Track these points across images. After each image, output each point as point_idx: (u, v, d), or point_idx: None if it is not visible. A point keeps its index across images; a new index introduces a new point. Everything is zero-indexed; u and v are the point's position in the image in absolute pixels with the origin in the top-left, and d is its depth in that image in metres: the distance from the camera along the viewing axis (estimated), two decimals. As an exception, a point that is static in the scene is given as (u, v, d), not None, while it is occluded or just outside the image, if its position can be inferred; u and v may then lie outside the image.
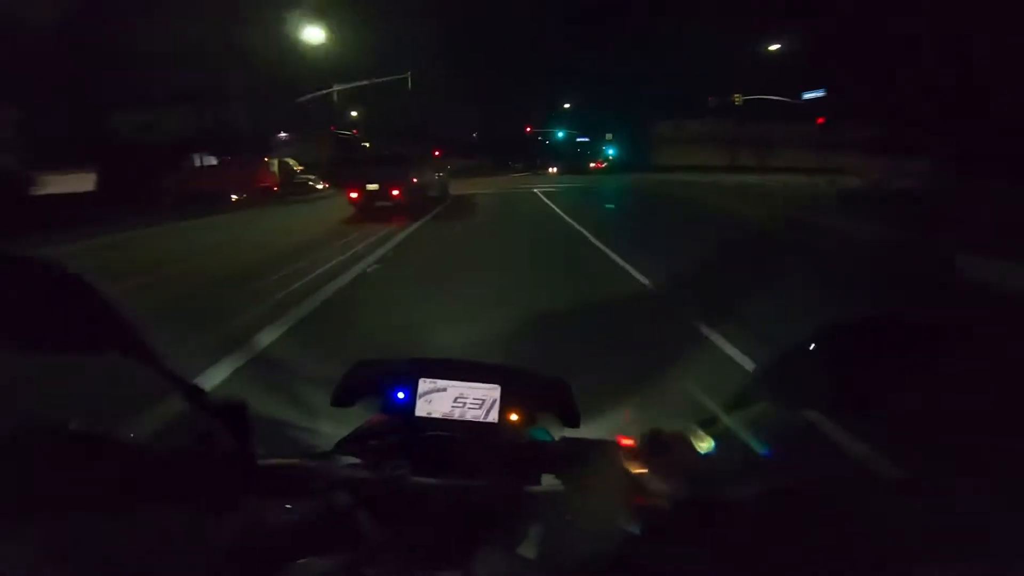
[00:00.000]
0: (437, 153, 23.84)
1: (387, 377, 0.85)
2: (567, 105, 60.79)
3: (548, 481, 0.72)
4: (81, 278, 0.55)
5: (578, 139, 59.36)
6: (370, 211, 12.97)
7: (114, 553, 0.49)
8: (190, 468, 0.59)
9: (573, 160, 53.94)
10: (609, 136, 54.96)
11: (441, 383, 0.83)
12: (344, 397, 0.88)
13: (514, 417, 0.83)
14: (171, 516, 0.55)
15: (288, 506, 0.63)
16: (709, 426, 0.70)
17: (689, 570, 0.56)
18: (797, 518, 0.54)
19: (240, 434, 0.62)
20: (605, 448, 0.76)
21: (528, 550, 0.63)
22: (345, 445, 0.84)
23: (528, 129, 60.36)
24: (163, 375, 0.60)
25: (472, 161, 45.88)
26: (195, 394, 0.62)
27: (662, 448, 0.70)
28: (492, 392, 0.83)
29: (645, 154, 45.31)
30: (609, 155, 53.38)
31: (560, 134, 59.02)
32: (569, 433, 0.85)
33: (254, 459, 0.64)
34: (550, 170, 51.56)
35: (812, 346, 0.60)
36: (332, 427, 0.99)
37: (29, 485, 0.49)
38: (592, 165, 51.65)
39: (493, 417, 0.82)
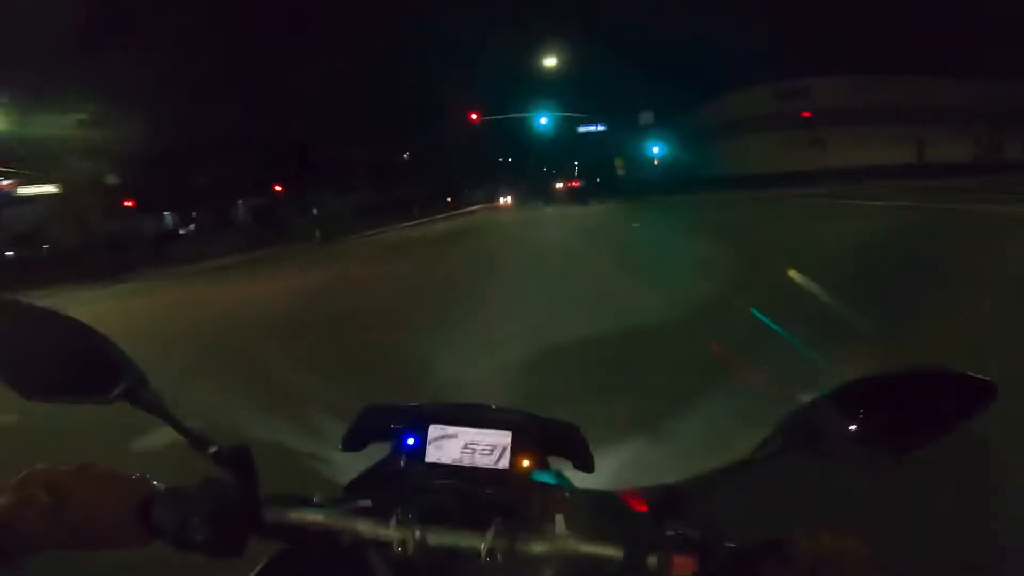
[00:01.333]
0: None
1: (397, 422, 0.85)
2: (550, 63, 29.96)
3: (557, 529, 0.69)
4: (94, 330, 0.61)
5: (582, 127, 29.63)
6: None
7: None
8: (196, 512, 0.61)
9: (549, 180, 28.08)
10: (646, 119, 27.28)
11: (451, 429, 0.83)
12: (354, 442, 0.88)
13: (525, 463, 0.82)
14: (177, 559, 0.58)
15: (293, 551, 0.64)
16: (727, 477, 0.67)
17: None
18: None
19: (244, 479, 0.64)
20: (609, 503, 0.74)
21: None
22: (355, 488, 0.84)
23: (474, 117, 29.37)
24: (168, 422, 0.63)
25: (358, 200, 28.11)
26: (199, 440, 0.64)
27: (674, 504, 0.67)
28: (503, 439, 0.83)
29: (705, 153, 23.56)
30: (653, 156, 26.93)
31: (544, 120, 28.92)
32: (581, 481, 0.84)
33: (259, 504, 0.65)
34: (500, 201, 29.71)
35: (836, 395, 0.60)
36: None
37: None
38: (568, 185, 26.55)
39: (504, 463, 0.82)
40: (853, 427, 0.59)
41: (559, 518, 0.73)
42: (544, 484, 0.84)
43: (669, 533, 0.62)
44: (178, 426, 0.63)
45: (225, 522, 0.61)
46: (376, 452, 0.90)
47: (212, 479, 0.64)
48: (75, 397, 0.61)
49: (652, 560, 0.60)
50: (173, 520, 0.60)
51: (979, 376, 0.56)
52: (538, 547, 0.64)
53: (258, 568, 0.70)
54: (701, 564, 0.58)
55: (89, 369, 0.60)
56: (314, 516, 0.66)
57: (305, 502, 0.68)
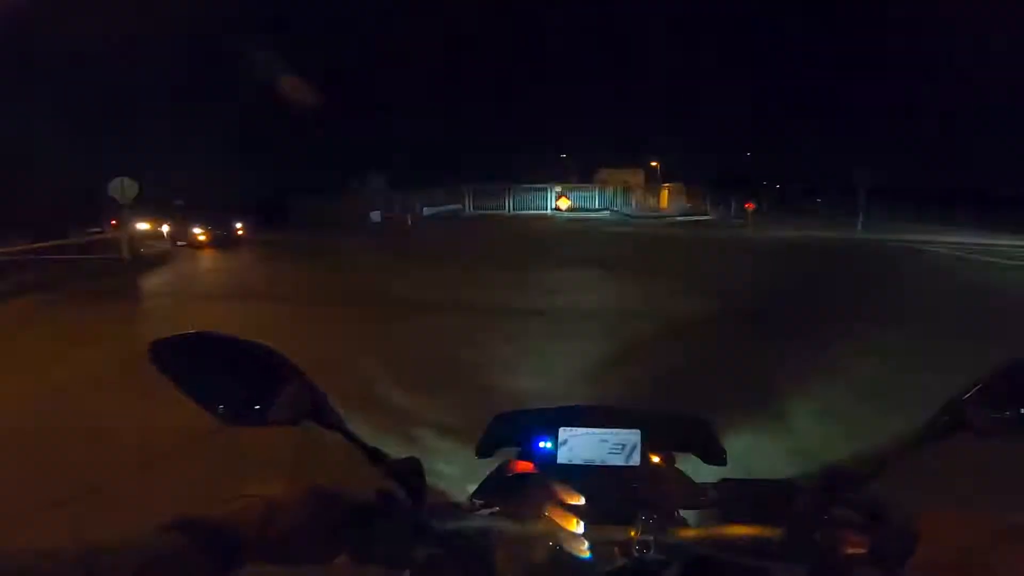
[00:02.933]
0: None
1: (528, 428, 0.87)
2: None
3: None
4: (279, 354, 0.64)
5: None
6: None
7: None
8: (380, 528, 0.63)
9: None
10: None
11: (581, 431, 0.84)
12: (487, 449, 0.91)
13: (656, 459, 0.83)
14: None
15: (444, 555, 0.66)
16: (893, 457, 0.63)
17: None
18: None
19: (415, 490, 0.67)
20: (779, 490, 0.70)
21: None
22: (485, 492, 0.86)
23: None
24: (349, 439, 0.66)
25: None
26: (375, 454, 0.67)
27: (839, 483, 0.63)
28: (633, 436, 0.82)
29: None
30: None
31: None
32: (718, 473, 0.82)
33: (429, 516, 0.67)
34: None
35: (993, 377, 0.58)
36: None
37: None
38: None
39: (635, 460, 0.82)
40: (1010, 410, 0.57)
41: (702, 505, 0.74)
42: (679, 475, 0.85)
43: (836, 512, 0.60)
44: (357, 441, 0.66)
45: (402, 535, 0.64)
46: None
47: (385, 492, 0.66)
48: (266, 421, 0.63)
49: (818, 536, 0.58)
50: (359, 536, 0.62)
51: None
52: (687, 533, 0.64)
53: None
54: (873, 542, 0.56)
55: (277, 393, 0.62)
56: (474, 523, 0.67)
57: (459, 509, 0.70)
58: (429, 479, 0.70)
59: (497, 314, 7.01)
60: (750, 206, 22.90)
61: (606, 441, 0.83)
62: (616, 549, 0.64)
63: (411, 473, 0.68)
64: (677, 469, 0.86)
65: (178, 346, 0.61)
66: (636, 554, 0.63)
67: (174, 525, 0.48)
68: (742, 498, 0.70)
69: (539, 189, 29.32)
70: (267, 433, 0.65)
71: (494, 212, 28.04)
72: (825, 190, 33.36)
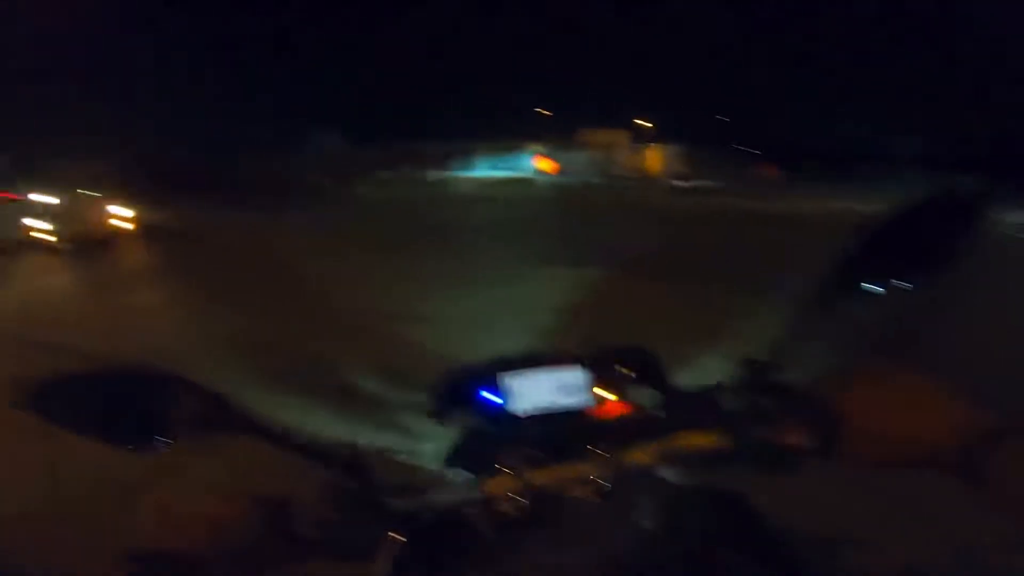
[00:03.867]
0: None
1: (474, 382, 0.86)
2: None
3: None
4: (171, 373, 0.60)
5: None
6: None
7: None
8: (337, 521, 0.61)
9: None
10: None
11: (526, 375, 0.84)
12: (438, 410, 0.89)
13: (604, 394, 0.83)
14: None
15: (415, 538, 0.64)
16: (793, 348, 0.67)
17: None
18: None
19: (362, 476, 0.65)
20: (710, 396, 0.72)
21: (646, 520, 0.64)
22: (455, 461, 0.84)
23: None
24: (271, 439, 0.62)
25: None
26: (306, 448, 0.64)
27: (760, 378, 0.66)
28: (577, 374, 0.83)
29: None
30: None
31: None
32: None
33: (386, 499, 0.65)
34: None
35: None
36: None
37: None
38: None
39: (585, 399, 0.82)
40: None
41: (654, 429, 0.72)
42: (631, 405, 0.85)
43: (769, 410, 0.62)
44: (282, 439, 0.63)
45: (363, 523, 0.62)
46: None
47: (333, 483, 0.64)
48: (175, 438, 0.58)
49: (755, 436, 0.61)
50: (317, 533, 0.60)
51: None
52: (644, 458, 0.65)
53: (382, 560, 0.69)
54: (810, 433, 0.58)
55: (177, 409, 0.59)
56: (438, 499, 0.66)
57: (421, 487, 0.68)
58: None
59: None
60: (771, 171, 19.44)
61: (553, 384, 0.83)
62: (582, 489, 0.65)
63: (352, 457, 0.65)
64: (625, 399, 0.87)
65: (54, 387, 0.58)
66: (599, 488, 0.64)
67: (132, 558, 0.47)
68: (684, 410, 0.72)
69: (514, 149, 27.36)
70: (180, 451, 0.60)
71: (462, 176, 24.30)
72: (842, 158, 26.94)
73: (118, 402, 0.58)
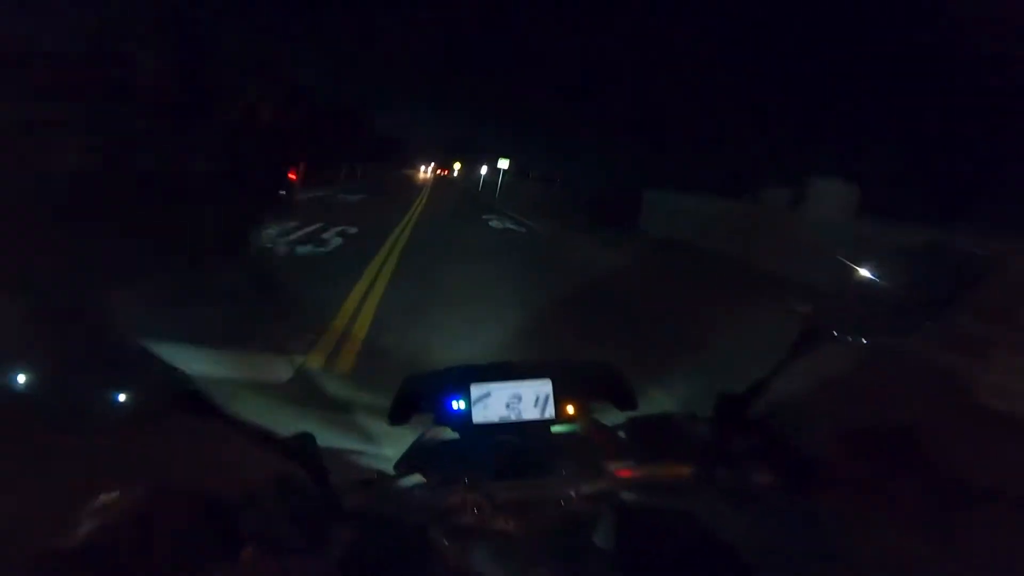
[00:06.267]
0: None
1: (439, 388, 0.85)
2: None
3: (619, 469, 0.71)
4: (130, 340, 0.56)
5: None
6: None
7: None
8: (282, 515, 0.58)
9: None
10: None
11: (492, 386, 0.83)
12: (400, 414, 0.88)
13: (570, 409, 0.83)
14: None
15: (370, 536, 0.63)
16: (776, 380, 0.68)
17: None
18: None
19: (313, 467, 0.63)
20: (679, 425, 0.73)
21: (606, 543, 0.63)
22: (408, 463, 0.85)
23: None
24: (225, 423, 0.61)
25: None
26: (260, 436, 0.62)
27: (738, 411, 0.67)
28: (544, 387, 0.83)
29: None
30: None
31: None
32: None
33: (336, 494, 0.64)
34: None
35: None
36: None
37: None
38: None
39: (550, 412, 0.82)
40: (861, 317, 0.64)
41: (618, 452, 0.74)
42: (594, 422, 0.85)
43: (739, 445, 0.63)
44: (236, 424, 0.62)
45: (309, 518, 0.60)
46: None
47: (283, 476, 0.61)
48: (124, 417, 0.55)
49: (723, 472, 0.61)
50: (259, 528, 0.56)
51: None
52: (604, 484, 0.65)
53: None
54: (778, 474, 0.59)
55: (127, 383, 0.55)
56: (391, 497, 0.66)
57: (372, 484, 0.68)
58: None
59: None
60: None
61: (519, 396, 0.83)
62: (541, 506, 0.64)
63: (305, 450, 0.64)
64: (592, 417, 0.88)
65: None
66: (561, 507, 0.64)
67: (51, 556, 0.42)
68: (649, 436, 0.73)
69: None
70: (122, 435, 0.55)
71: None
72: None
73: (65, 368, 0.52)
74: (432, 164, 61.15)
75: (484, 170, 29.03)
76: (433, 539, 0.64)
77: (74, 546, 0.43)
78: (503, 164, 19.85)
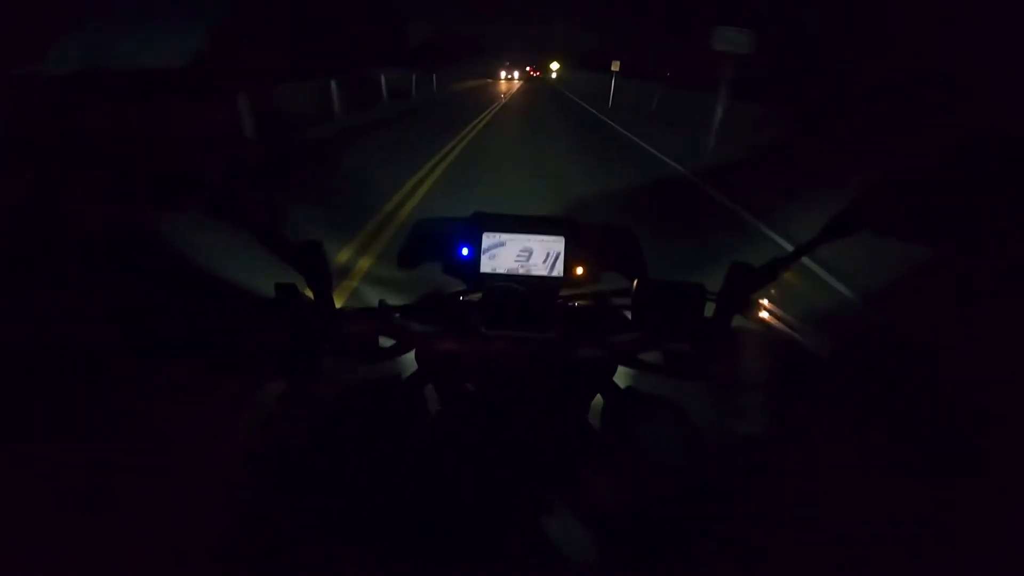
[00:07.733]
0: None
1: (450, 234, 0.83)
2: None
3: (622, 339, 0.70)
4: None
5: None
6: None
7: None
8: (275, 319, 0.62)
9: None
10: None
11: (504, 237, 0.81)
12: (409, 257, 0.87)
13: (579, 271, 0.81)
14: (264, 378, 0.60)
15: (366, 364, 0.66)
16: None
17: None
18: None
19: (317, 277, 0.64)
20: (690, 293, 0.71)
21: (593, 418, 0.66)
22: (418, 305, 0.85)
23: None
24: (240, 224, 0.61)
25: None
26: (271, 240, 0.62)
27: (750, 285, 0.65)
28: (556, 244, 0.81)
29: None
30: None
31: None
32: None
33: (335, 313, 0.65)
34: None
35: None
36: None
37: None
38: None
39: (559, 271, 0.81)
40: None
41: (620, 325, 0.74)
42: (600, 294, 0.84)
43: (734, 324, 0.63)
44: (250, 225, 0.61)
45: (305, 330, 0.62)
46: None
47: (285, 285, 0.64)
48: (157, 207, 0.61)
49: (719, 357, 0.63)
50: (266, 348, 0.60)
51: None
52: (600, 353, 0.65)
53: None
54: (772, 362, 0.61)
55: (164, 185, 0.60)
56: (389, 325, 0.67)
57: (376, 314, 0.69)
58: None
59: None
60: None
61: (530, 251, 0.81)
62: (539, 359, 0.65)
63: (312, 259, 0.64)
64: (599, 287, 0.86)
65: None
66: (556, 363, 0.64)
67: None
68: (656, 302, 0.71)
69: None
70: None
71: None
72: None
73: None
74: (516, 72, 54.38)
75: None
76: (419, 377, 0.67)
77: None
78: (615, 67, 16.84)
